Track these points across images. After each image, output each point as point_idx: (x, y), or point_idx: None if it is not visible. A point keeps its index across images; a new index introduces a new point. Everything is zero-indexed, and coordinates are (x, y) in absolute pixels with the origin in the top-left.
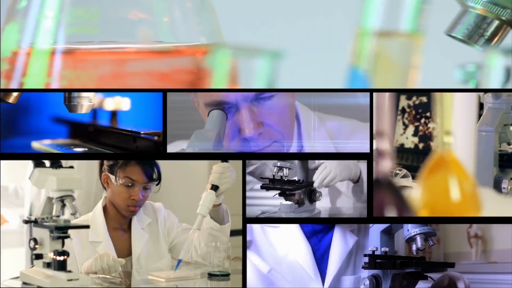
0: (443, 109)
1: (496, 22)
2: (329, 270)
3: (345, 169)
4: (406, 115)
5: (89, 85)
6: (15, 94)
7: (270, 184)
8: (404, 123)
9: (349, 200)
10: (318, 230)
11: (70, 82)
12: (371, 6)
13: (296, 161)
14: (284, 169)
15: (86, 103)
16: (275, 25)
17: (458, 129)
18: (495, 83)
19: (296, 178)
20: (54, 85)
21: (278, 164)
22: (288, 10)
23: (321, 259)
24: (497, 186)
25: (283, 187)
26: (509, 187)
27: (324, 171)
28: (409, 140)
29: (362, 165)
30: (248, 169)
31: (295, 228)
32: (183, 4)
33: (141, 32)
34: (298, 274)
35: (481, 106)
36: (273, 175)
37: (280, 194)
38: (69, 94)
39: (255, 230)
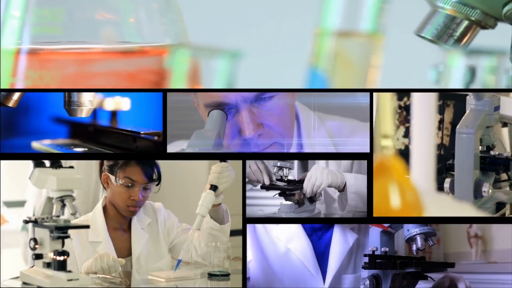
0: (379, 112)
1: (466, 23)
2: (330, 268)
3: (330, 174)
4: (397, 116)
5: (52, 85)
6: (15, 97)
7: (270, 184)
8: (396, 124)
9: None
10: (318, 228)
11: (34, 83)
12: (331, 6)
13: (296, 161)
14: (284, 169)
15: (86, 107)
16: (241, 26)
17: (418, 131)
18: (457, 83)
19: (296, 178)
20: (19, 85)
21: (278, 164)
22: (251, 11)
23: (321, 256)
24: (477, 190)
25: (283, 187)
26: (489, 191)
27: (311, 179)
28: (400, 141)
29: (347, 175)
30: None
31: (296, 225)
32: (149, 5)
33: (105, 32)
34: (299, 270)
35: (440, 108)
36: (274, 174)
37: (280, 194)
38: (69, 98)
39: (257, 227)
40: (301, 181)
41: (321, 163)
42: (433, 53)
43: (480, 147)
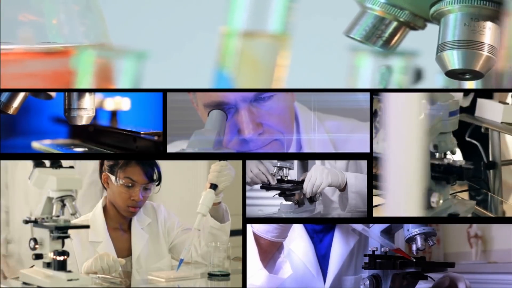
0: None
1: (394, 24)
2: (330, 270)
3: (331, 173)
4: (377, 118)
5: None
6: (15, 105)
7: (270, 184)
8: (375, 127)
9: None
10: (319, 230)
11: None
12: (237, 6)
13: (296, 161)
14: (284, 169)
15: (86, 114)
16: (148, 26)
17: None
18: (365, 83)
19: (296, 178)
20: None
21: (278, 164)
22: (158, 11)
23: (322, 258)
24: (425, 200)
25: (283, 187)
26: (440, 201)
27: (311, 179)
28: (379, 145)
29: (348, 174)
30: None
31: (298, 226)
32: (70, 6)
33: (22, 34)
34: (300, 272)
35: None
36: (273, 175)
37: (280, 194)
38: (69, 106)
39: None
40: (301, 182)
41: (321, 162)
42: (345, 53)
43: (437, 154)
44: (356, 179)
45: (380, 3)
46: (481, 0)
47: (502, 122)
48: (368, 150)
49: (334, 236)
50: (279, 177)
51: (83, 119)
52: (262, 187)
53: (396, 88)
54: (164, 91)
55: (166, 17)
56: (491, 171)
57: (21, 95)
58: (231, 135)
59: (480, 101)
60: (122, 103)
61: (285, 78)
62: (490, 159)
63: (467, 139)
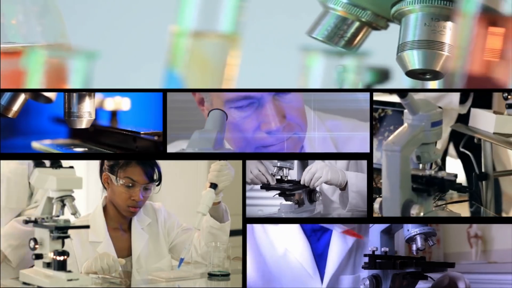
0: None
1: (357, 24)
2: (328, 269)
3: (332, 171)
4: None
5: None
6: (15, 108)
7: (270, 184)
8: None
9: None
10: (317, 229)
11: None
12: (187, 6)
13: (296, 162)
14: (284, 169)
15: (86, 118)
16: (99, 25)
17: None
18: (316, 83)
19: (296, 178)
20: None
21: (278, 164)
22: (109, 11)
23: (319, 257)
24: (405, 212)
25: (283, 187)
26: (420, 213)
27: (310, 170)
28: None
29: (349, 173)
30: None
31: (295, 226)
32: (28, 7)
33: None
34: (297, 272)
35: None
36: (273, 175)
37: (280, 194)
38: (69, 109)
39: (256, 228)
40: (300, 182)
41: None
42: (296, 52)
43: (420, 165)
44: (357, 179)
45: (342, 3)
46: (441, 0)
47: (494, 133)
48: (368, 150)
49: (332, 235)
50: (279, 177)
51: (83, 123)
52: (262, 187)
53: (395, 88)
54: (164, 91)
55: (118, 16)
56: (483, 182)
57: (21, 99)
58: (253, 130)
59: (474, 111)
60: (122, 103)
61: (235, 77)
62: (483, 170)
63: (461, 149)
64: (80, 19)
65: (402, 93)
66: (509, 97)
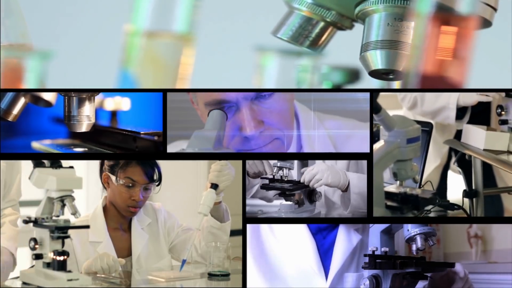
0: None
1: (321, 24)
2: (332, 266)
3: (333, 174)
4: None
5: None
6: (15, 112)
7: (270, 184)
8: None
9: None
10: (323, 228)
11: None
12: (141, 6)
13: (296, 162)
14: (284, 169)
15: (86, 121)
16: (53, 25)
17: None
18: (270, 83)
19: (296, 178)
20: None
21: (278, 164)
22: (64, 10)
23: (325, 255)
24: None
25: (283, 187)
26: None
27: (311, 171)
28: None
29: (351, 175)
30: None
31: (301, 225)
32: None
33: None
34: (302, 268)
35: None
36: (273, 175)
37: (280, 195)
38: (68, 113)
39: (262, 226)
40: (300, 182)
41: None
42: (251, 52)
43: (398, 182)
44: (359, 180)
45: (307, 3)
46: (404, 0)
47: (484, 149)
48: (368, 150)
49: (337, 233)
50: (279, 177)
51: (83, 126)
52: (262, 187)
53: (395, 88)
54: (164, 91)
55: (73, 16)
56: (473, 199)
57: (21, 102)
58: (232, 134)
59: (466, 127)
60: (122, 103)
61: (189, 76)
62: (473, 187)
63: (453, 165)
64: (35, 18)
65: (376, 108)
66: (502, 113)
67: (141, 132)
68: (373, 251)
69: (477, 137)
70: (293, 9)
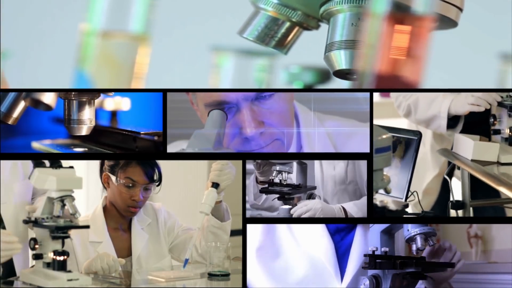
0: None
1: (287, 24)
2: (349, 269)
3: (326, 212)
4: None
5: None
6: (15, 115)
7: (269, 187)
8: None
9: None
10: (341, 229)
11: None
12: (97, 5)
13: (295, 166)
14: (283, 173)
15: (86, 125)
16: (11, 25)
17: None
18: (226, 83)
19: (295, 182)
20: None
21: (277, 168)
22: (19, 10)
23: (342, 257)
24: None
25: (282, 190)
26: None
27: (304, 207)
28: None
29: (347, 205)
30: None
31: (320, 225)
32: None
33: None
34: (319, 270)
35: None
36: (272, 179)
37: (279, 198)
38: (68, 116)
39: (279, 226)
40: (299, 186)
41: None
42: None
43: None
44: (358, 208)
45: (273, 3)
46: (369, 0)
47: (472, 160)
48: (368, 150)
49: (355, 235)
50: (278, 181)
51: (83, 130)
52: (261, 191)
53: (394, 88)
54: (164, 91)
55: (28, 15)
56: (459, 211)
57: (21, 105)
58: (233, 135)
59: (457, 136)
60: (122, 103)
61: (144, 76)
62: (460, 198)
63: (445, 176)
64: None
65: None
66: (495, 122)
67: (141, 132)
68: (373, 251)
69: (466, 147)
70: (259, 9)
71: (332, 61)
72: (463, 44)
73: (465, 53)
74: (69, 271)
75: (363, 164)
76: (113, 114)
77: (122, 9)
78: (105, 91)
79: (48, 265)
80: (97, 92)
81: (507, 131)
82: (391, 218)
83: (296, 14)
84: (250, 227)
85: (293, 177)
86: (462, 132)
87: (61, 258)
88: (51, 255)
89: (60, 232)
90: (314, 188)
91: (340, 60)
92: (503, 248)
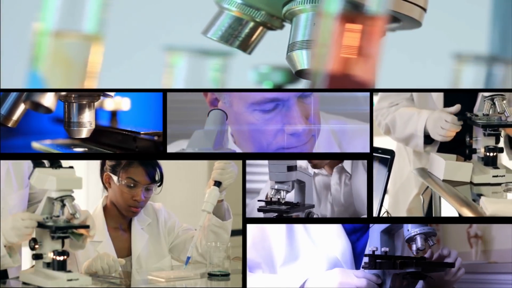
0: None
1: (251, 24)
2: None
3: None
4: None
5: None
6: (14, 118)
7: (267, 206)
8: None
9: None
10: (358, 229)
11: None
12: (49, 5)
13: (294, 184)
14: (282, 192)
15: (86, 127)
16: None
17: None
18: (179, 83)
19: (293, 201)
20: None
21: (276, 187)
22: None
23: (358, 257)
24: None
25: (280, 209)
26: None
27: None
28: None
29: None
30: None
31: (337, 225)
32: None
33: None
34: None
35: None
36: (271, 198)
37: (277, 216)
38: (68, 119)
39: (296, 226)
40: (297, 204)
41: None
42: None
43: None
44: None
45: (237, 3)
46: None
47: (443, 180)
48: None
49: (369, 236)
50: (277, 199)
51: (83, 132)
52: (259, 210)
53: (395, 88)
54: (164, 91)
55: None
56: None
57: (21, 108)
58: (275, 132)
59: (431, 156)
60: (122, 103)
61: (97, 75)
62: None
63: (421, 196)
64: None
65: None
66: (471, 141)
67: (141, 132)
68: (373, 251)
69: (438, 167)
70: (223, 9)
71: (294, 61)
72: (417, 44)
73: (419, 52)
74: (69, 271)
75: (361, 186)
76: (113, 114)
77: (75, 8)
78: (105, 91)
79: (48, 265)
80: (97, 92)
81: (483, 150)
82: (391, 218)
83: (260, 14)
84: (273, 237)
85: (291, 196)
86: (442, 149)
87: (61, 258)
88: (51, 255)
89: (60, 232)
90: (312, 206)
91: (302, 60)
92: (503, 248)
